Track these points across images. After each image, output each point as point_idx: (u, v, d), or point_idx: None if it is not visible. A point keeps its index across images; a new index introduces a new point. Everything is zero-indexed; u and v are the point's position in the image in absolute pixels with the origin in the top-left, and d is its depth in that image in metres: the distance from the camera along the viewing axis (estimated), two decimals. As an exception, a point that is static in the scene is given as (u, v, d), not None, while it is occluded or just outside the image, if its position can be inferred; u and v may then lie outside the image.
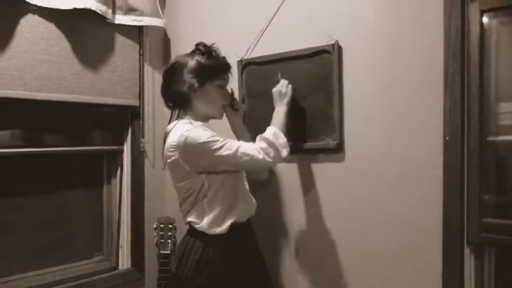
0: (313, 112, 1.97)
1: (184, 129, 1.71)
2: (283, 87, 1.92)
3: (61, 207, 2.30)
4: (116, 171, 2.44)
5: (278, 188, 2.09)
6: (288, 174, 2.07)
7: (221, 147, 1.69)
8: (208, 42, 1.85)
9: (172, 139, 1.72)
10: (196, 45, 1.86)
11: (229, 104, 1.94)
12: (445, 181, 1.64)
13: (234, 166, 1.74)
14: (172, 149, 1.72)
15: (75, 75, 2.12)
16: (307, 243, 2.03)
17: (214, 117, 1.89)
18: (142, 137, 2.45)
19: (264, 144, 1.74)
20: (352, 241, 1.89)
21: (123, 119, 2.43)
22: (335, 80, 1.89)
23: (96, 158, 2.42)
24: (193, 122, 1.80)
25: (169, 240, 2.36)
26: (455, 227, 1.62)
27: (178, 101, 1.84)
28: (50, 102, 2.05)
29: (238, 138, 1.90)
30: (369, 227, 1.84)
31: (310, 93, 1.97)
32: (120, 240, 2.43)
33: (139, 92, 2.42)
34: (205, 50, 1.83)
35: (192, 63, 1.80)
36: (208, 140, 1.68)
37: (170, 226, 2.40)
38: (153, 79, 2.49)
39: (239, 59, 2.18)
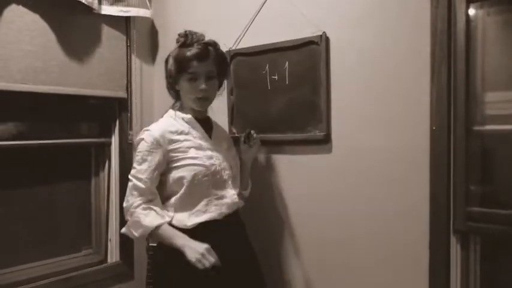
0: (300, 103, 1.96)
1: (149, 126, 1.80)
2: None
3: (49, 200, 2.28)
4: (104, 163, 2.43)
5: (264, 179, 2.09)
6: (275, 165, 2.07)
7: (134, 167, 1.75)
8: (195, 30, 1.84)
9: None
10: (178, 34, 1.83)
11: (244, 140, 1.94)
12: (432, 170, 1.65)
13: None
14: None
15: (61, 67, 2.10)
16: (294, 233, 2.04)
17: (195, 109, 1.82)
18: (130, 129, 2.43)
19: (131, 211, 1.69)
20: (339, 231, 1.90)
21: (110, 111, 2.41)
22: (322, 71, 1.89)
23: (83, 150, 2.40)
24: (178, 113, 1.82)
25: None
26: (442, 215, 1.63)
27: (170, 93, 1.89)
28: (36, 94, 2.03)
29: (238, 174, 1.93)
30: (355, 217, 1.85)
31: (297, 84, 1.97)
32: (109, 234, 2.42)
33: (127, 83, 2.40)
34: (179, 40, 1.80)
35: (170, 57, 1.82)
36: (138, 152, 1.75)
37: (159, 218, 2.39)
38: (141, 71, 2.47)
39: (227, 49, 2.17)
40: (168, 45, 2.49)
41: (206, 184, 1.74)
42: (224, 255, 1.63)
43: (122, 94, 2.38)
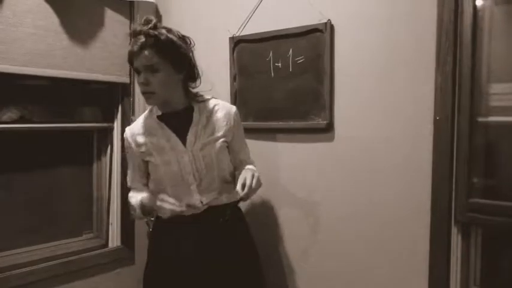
0: (304, 91, 1.95)
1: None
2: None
3: (51, 184, 2.28)
4: (106, 148, 2.43)
5: (266, 166, 2.09)
6: (277, 153, 2.07)
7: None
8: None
9: None
10: None
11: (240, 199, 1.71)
12: (435, 160, 1.64)
13: None
14: None
15: (63, 51, 2.09)
16: (295, 223, 2.04)
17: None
18: (133, 114, 2.42)
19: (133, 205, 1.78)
20: (341, 221, 1.90)
21: (113, 96, 2.41)
22: (326, 59, 1.87)
23: (86, 135, 2.40)
24: (155, 109, 1.78)
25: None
26: (444, 206, 1.63)
27: None
28: (38, 78, 2.03)
29: None
30: (358, 206, 1.85)
31: (301, 72, 1.96)
32: (110, 218, 2.43)
33: (130, 68, 2.38)
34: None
35: None
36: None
37: (159, 204, 2.40)
38: (144, 56, 2.46)
39: (231, 35, 2.15)
40: (171, 30, 2.48)
41: (169, 187, 1.75)
42: (192, 252, 1.72)
43: (124, 79, 2.37)
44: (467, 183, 1.59)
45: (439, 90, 1.62)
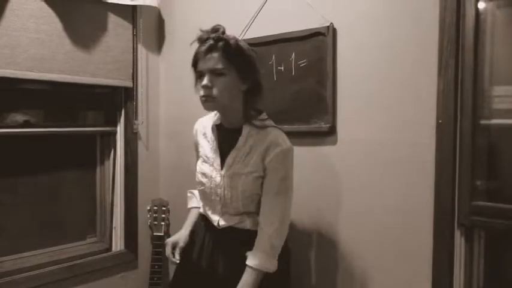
0: (306, 94, 1.96)
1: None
2: None
3: (54, 188, 2.30)
4: (109, 152, 2.44)
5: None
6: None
7: None
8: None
9: None
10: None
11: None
12: (437, 163, 1.64)
13: None
14: None
15: (67, 55, 2.10)
16: (297, 226, 2.04)
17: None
18: (136, 118, 2.43)
19: None
20: (343, 224, 1.90)
21: (116, 100, 2.41)
22: (329, 62, 1.88)
23: (89, 139, 2.41)
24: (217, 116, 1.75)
25: (162, 223, 2.38)
26: (447, 209, 1.62)
27: None
28: (42, 82, 2.04)
29: None
30: (360, 209, 1.84)
31: (303, 75, 1.96)
32: (114, 222, 2.44)
33: (133, 73, 2.40)
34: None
35: None
36: None
37: (164, 208, 2.42)
38: (147, 60, 2.47)
39: (233, 40, 2.16)
40: (174, 34, 2.49)
41: (201, 194, 1.78)
42: (208, 259, 1.72)
43: (127, 83, 2.38)
44: (470, 186, 1.59)
45: (442, 93, 1.62)
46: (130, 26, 2.37)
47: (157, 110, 2.56)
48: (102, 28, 2.25)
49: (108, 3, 2.21)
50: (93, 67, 2.21)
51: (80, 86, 2.20)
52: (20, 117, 2.06)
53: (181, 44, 2.41)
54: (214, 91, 1.55)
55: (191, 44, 1.62)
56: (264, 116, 1.70)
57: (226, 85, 1.56)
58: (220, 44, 1.55)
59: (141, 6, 2.38)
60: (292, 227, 2.06)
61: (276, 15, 2.05)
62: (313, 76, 1.93)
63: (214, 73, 1.55)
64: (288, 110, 2.01)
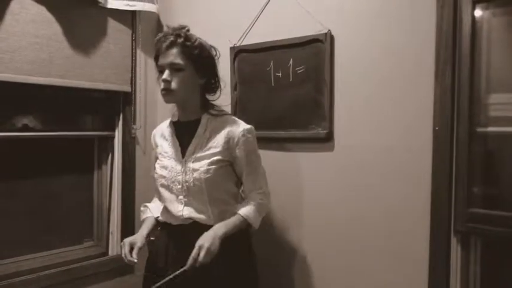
0: (304, 100, 1.96)
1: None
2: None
3: (52, 192, 2.29)
4: (107, 157, 2.44)
5: (267, 176, 2.09)
6: (276, 162, 2.07)
7: None
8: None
9: None
10: None
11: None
12: (434, 170, 1.65)
13: None
14: None
15: (66, 60, 2.10)
16: (293, 232, 2.04)
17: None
18: (134, 123, 2.44)
19: None
20: (340, 230, 1.90)
21: (114, 105, 2.41)
22: (326, 69, 1.89)
23: (87, 143, 2.41)
24: (175, 114, 1.84)
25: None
26: (443, 216, 1.63)
27: None
28: (41, 87, 2.04)
29: None
30: (357, 216, 1.85)
31: (301, 81, 1.97)
32: (111, 226, 2.43)
33: (132, 77, 2.40)
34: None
35: None
36: None
37: (160, 213, 2.39)
38: (146, 65, 2.48)
39: (232, 45, 2.17)
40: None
41: (162, 191, 1.77)
42: (175, 261, 1.68)
43: (126, 88, 2.38)
44: (466, 193, 1.59)
45: (438, 100, 1.63)
46: (129, 31, 2.38)
47: (155, 115, 2.56)
48: (102, 33, 2.26)
49: (107, 8, 2.21)
50: (92, 72, 2.21)
51: (79, 91, 2.20)
52: (18, 121, 2.06)
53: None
54: (173, 85, 1.65)
55: (156, 38, 1.71)
56: (219, 107, 1.81)
57: (184, 79, 1.66)
58: (180, 40, 1.64)
59: (140, 11, 2.39)
60: (286, 231, 2.07)
61: (274, 22, 2.06)
62: (311, 82, 1.94)
63: (173, 68, 1.64)
64: (285, 116, 2.02)
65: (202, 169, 1.67)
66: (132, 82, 2.41)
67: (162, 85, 1.66)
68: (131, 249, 1.70)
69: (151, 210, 1.90)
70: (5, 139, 2.02)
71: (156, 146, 1.85)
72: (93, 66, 2.22)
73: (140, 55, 2.44)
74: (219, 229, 1.61)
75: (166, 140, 1.80)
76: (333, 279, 1.93)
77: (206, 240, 1.56)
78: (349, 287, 1.88)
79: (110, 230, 2.43)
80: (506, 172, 1.61)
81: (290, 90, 2.00)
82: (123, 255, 1.70)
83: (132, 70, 2.40)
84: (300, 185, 2.01)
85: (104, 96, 2.35)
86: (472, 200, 1.60)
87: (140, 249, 1.71)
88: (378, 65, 1.78)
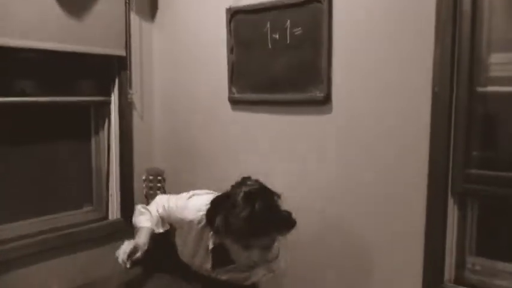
0: (301, 63, 1.93)
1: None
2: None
3: (50, 158, 2.30)
4: (104, 122, 2.43)
5: (263, 139, 2.09)
6: (274, 125, 2.06)
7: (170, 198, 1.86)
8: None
9: None
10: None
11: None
12: (432, 131, 1.64)
13: None
14: None
15: (58, 23, 2.06)
16: (291, 197, 2.05)
17: None
18: (130, 88, 2.41)
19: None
20: (337, 191, 1.91)
21: (109, 70, 2.39)
22: (324, 30, 1.85)
23: (83, 109, 2.39)
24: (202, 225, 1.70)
25: (158, 191, 2.38)
26: (440, 177, 1.63)
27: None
28: (34, 51, 2.01)
29: None
30: (355, 178, 1.85)
31: (298, 43, 1.94)
32: (110, 191, 2.45)
33: (126, 41, 2.36)
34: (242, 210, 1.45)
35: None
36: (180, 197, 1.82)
37: (159, 178, 2.41)
38: (140, 29, 2.43)
39: (228, 6, 2.12)
40: (167, 3, 2.44)
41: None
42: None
43: (120, 52, 2.34)
44: (464, 154, 1.59)
45: (438, 61, 1.60)
46: (122, -7, 2.32)
47: (151, 79, 2.53)
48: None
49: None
50: (85, 35, 2.16)
51: (73, 55, 2.16)
52: (13, 86, 2.03)
53: (175, 12, 2.37)
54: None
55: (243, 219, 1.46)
56: None
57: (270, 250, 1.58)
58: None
59: (133, -28, 2.33)
60: (286, 194, 2.07)
61: (271, -19, 2.01)
62: (308, 44, 1.91)
63: (263, 248, 1.52)
64: (282, 78, 2.00)
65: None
66: (127, 46, 2.36)
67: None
68: (133, 251, 1.66)
69: (152, 223, 1.81)
70: (2, 105, 2.00)
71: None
72: (86, 29, 2.17)
73: (134, 18, 2.39)
74: None
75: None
76: (328, 240, 1.95)
77: None
78: (347, 248, 1.91)
79: (110, 193, 2.44)
80: (505, 132, 1.60)
81: (287, 52, 1.97)
82: (121, 260, 1.64)
83: (126, 34, 2.35)
84: (297, 148, 2.01)
85: (99, 60, 2.32)
86: (469, 160, 1.60)
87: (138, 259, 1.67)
88: (377, 26, 1.75)
